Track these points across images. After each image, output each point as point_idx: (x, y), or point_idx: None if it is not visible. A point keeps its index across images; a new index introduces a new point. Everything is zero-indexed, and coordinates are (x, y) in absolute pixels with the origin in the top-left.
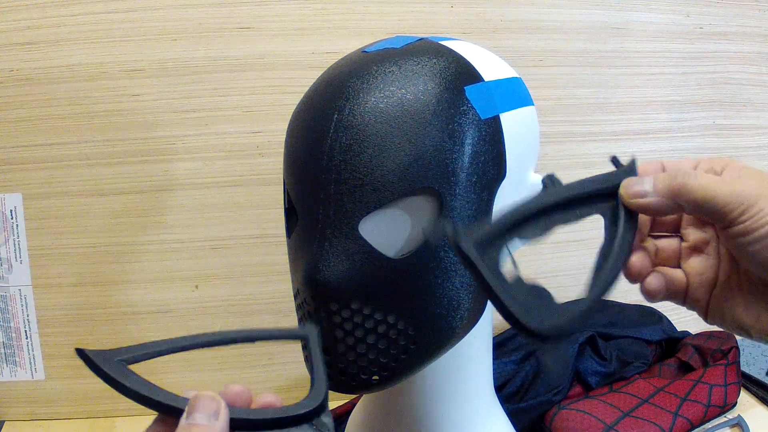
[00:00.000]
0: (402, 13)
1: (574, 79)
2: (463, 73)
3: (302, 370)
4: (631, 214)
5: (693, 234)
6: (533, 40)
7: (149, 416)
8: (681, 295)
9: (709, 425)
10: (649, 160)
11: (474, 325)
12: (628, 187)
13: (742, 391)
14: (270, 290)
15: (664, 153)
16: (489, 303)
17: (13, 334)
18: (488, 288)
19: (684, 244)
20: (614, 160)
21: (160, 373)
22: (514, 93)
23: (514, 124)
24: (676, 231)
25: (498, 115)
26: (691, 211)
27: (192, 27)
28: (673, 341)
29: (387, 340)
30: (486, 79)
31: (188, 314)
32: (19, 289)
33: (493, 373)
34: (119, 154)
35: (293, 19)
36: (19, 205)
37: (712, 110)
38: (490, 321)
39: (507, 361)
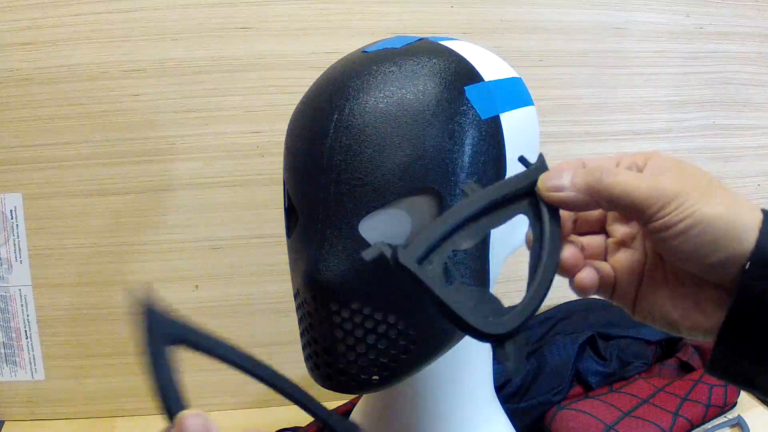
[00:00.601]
0: (402, 13)
1: (574, 79)
2: (463, 73)
3: (301, 370)
4: (553, 208)
5: (619, 229)
6: (533, 40)
7: (149, 416)
8: (609, 290)
9: (709, 425)
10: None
11: None
12: (546, 181)
13: (742, 391)
14: (270, 290)
15: (665, 153)
16: None
17: (13, 334)
18: (436, 298)
19: (610, 240)
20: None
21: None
22: (514, 93)
23: (515, 124)
24: (601, 228)
25: (498, 115)
26: (609, 207)
27: (192, 27)
28: (673, 341)
29: (387, 340)
30: (486, 79)
31: (188, 314)
32: (19, 289)
33: (493, 373)
34: (119, 154)
35: (293, 19)
36: (19, 205)
37: (712, 110)
38: None
39: None
